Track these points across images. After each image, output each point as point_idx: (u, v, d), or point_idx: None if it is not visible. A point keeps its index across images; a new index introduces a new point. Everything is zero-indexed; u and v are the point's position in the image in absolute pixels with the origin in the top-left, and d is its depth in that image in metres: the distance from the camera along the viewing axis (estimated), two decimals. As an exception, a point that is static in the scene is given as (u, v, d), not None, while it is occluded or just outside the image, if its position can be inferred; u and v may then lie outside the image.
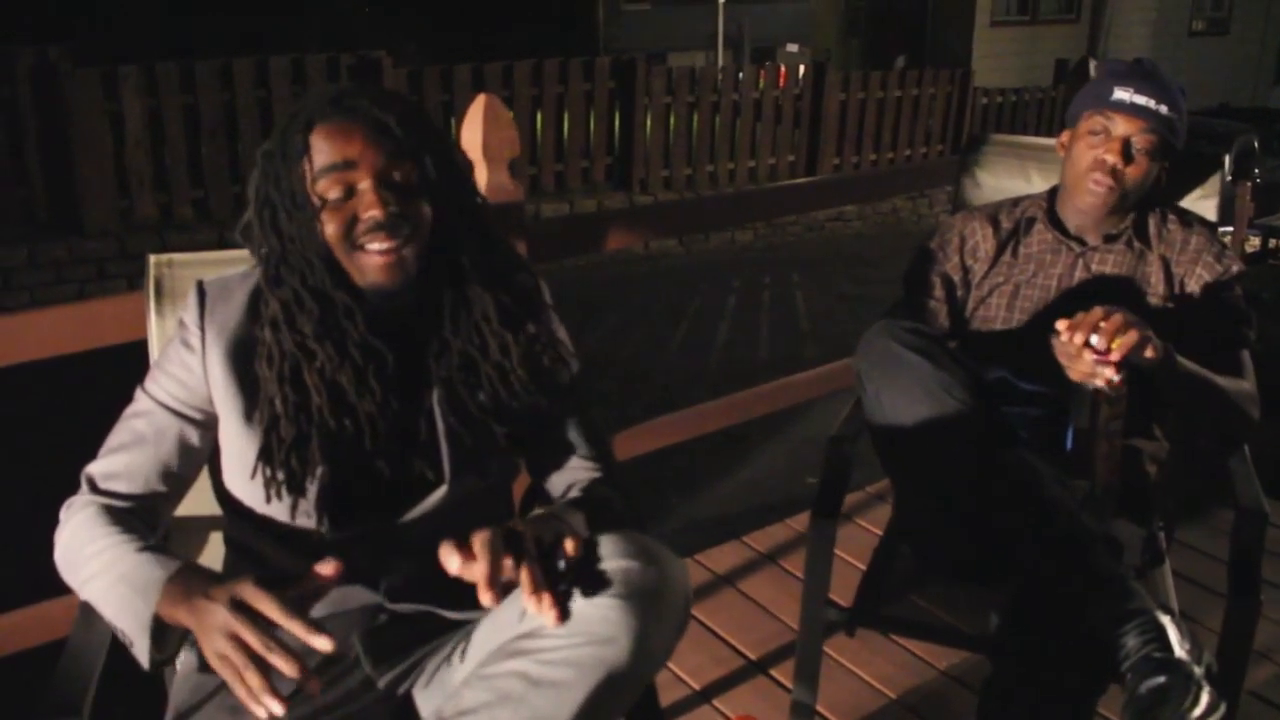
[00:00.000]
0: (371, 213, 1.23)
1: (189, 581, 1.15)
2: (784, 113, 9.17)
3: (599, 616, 1.04)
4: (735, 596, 2.58)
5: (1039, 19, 13.31)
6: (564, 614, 1.04)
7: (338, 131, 1.24)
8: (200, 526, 1.55)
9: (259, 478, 1.29)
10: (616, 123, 8.43)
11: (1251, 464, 1.83)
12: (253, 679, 1.02)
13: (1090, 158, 1.84)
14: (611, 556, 1.09)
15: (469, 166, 1.41)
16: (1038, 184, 2.15)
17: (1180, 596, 1.93)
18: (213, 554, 1.54)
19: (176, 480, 1.35)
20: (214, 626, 1.06)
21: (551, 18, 13.21)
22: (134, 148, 6.54)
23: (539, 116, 8.02)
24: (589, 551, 1.10)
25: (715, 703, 2.20)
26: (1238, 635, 1.65)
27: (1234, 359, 1.82)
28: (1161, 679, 1.31)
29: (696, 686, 2.25)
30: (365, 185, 1.24)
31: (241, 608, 1.06)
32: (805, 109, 9.22)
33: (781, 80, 9.18)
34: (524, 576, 1.04)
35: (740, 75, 8.95)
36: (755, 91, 8.96)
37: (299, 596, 1.08)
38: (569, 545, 1.08)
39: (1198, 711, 1.29)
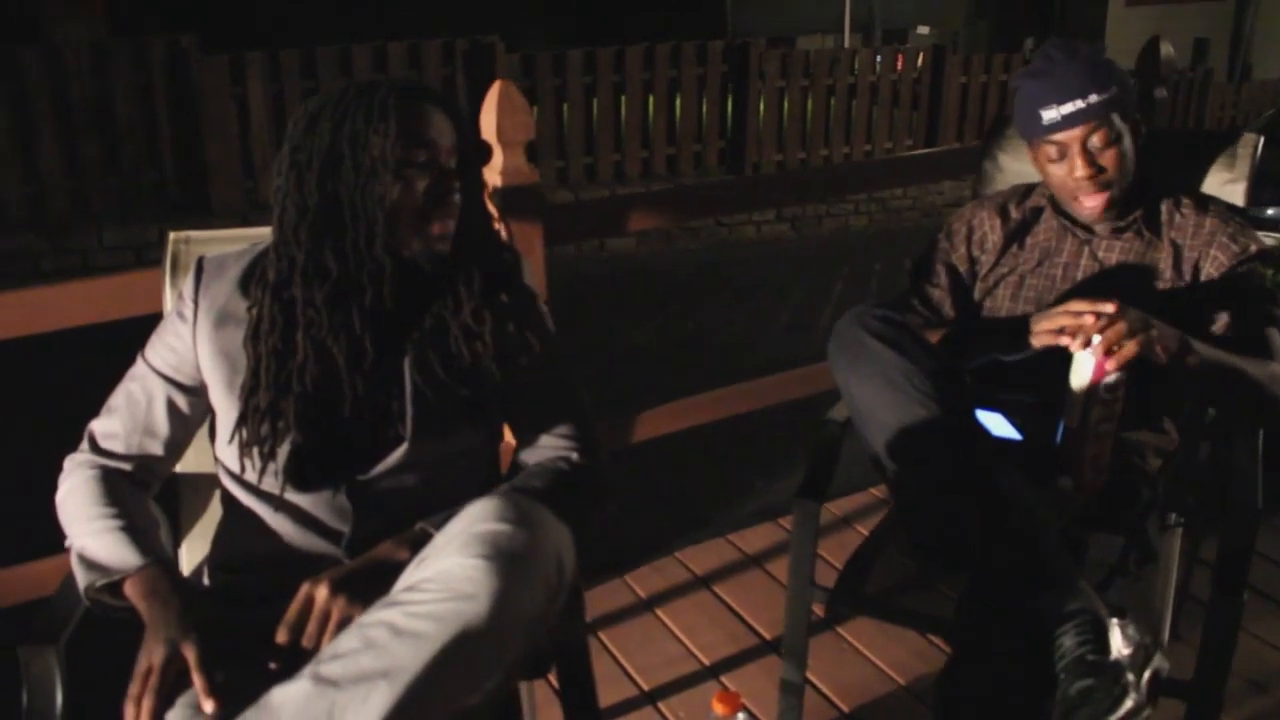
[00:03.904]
0: (450, 185, 1.36)
1: (156, 582, 1.29)
2: (901, 96, 9.01)
3: (463, 575, 1.10)
4: (760, 577, 2.61)
5: (1179, -4, 12.70)
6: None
7: (424, 108, 1.36)
8: (209, 484, 1.66)
9: (237, 441, 1.40)
10: (729, 106, 8.43)
11: (1260, 459, 1.77)
12: (141, 717, 1.19)
13: (1068, 182, 1.80)
14: (484, 519, 1.15)
15: (485, 153, 1.50)
16: (1059, 168, 2.11)
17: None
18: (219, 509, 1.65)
19: (168, 442, 1.47)
20: (153, 647, 1.22)
21: (678, 1, 13.22)
22: (258, 131, 6.85)
23: (651, 100, 8.08)
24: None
25: (724, 678, 2.24)
26: (1219, 637, 1.60)
27: (1260, 340, 1.75)
28: (1089, 681, 1.30)
29: (706, 662, 2.29)
30: (441, 161, 1.36)
31: (174, 661, 1.21)
32: (924, 92, 9.04)
33: (899, 63, 9.02)
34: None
35: (856, 58, 8.83)
36: (872, 75, 8.84)
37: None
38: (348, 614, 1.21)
39: (1117, 714, 1.27)
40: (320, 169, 1.34)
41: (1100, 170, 1.77)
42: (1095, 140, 1.76)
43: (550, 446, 1.49)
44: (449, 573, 1.11)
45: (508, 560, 1.12)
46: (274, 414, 1.37)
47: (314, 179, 1.34)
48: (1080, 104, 1.74)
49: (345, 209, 1.34)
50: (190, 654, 1.21)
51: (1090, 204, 1.81)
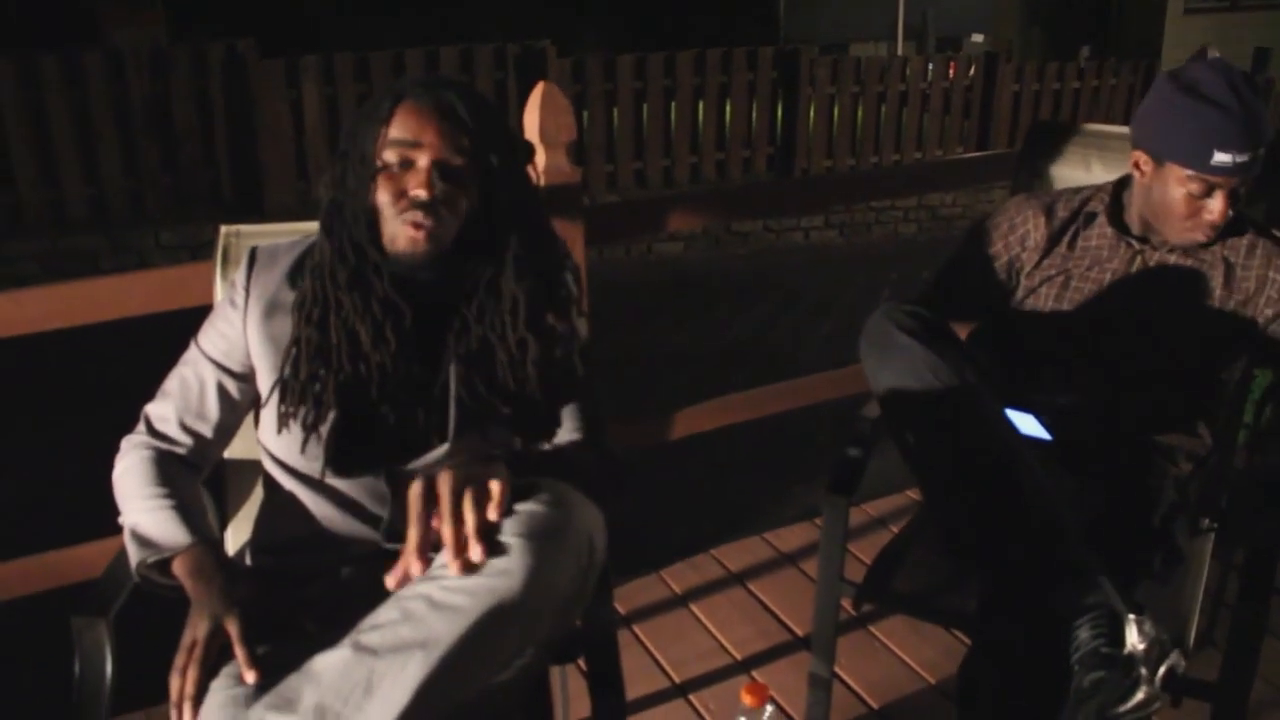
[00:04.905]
0: (418, 191, 1.37)
1: (202, 560, 1.35)
2: (953, 104, 8.98)
3: (499, 552, 1.15)
4: (794, 575, 2.64)
5: (1240, 5, 12.43)
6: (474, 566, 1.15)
7: (418, 110, 1.39)
8: (253, 470, 1.72)
9: (278, 412, 1.45)
10: (780, 113, 8.45)
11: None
12: (186, 687, 1.24)
13: (1197, 219, 1.76)
14: (520, 500, 1.20)
15: (530, 161, 1.53)
16: (1097, 173, 2.11)
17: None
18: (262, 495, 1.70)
19: (218, 426, 1.53)
20: (197, 622, 1.28)
21: (731, 7, 13.25)
22: (312, 134, 6.97)
23: (701, 106, 8.12)
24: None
25: (754, 673, 2.27)
26: (1244, 640, 1.60)
27: None
28: (1101, 673, 1.32)
29: (738, 657, 2.33)
30: (423, 164, 1.38)
31: (218, 635, 1.26)
32: (976, 100, 9.00)
33: (951, 71, 8.99)
34: (445, 537, 1.17)
35: (907, 65, 8.81)
36: (923, 82, 8.81)
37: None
38: (494, 488, 1.18)
39: (1126, 706, 1.29)
40: (331, 168, 1.44)
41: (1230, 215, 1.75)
42: (1240, 189, 1.72)
43: (568, 431, 1.52)
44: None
45: (541, 539, 1.16)
46: (313, 382, 1.42)
47: (339, 176, 1.43)
48: (1252, 156, 1.68)
49: (346, 207, 1.42)
50: (233, 628, 1.26)
51: (1203, 236, 1.77)
